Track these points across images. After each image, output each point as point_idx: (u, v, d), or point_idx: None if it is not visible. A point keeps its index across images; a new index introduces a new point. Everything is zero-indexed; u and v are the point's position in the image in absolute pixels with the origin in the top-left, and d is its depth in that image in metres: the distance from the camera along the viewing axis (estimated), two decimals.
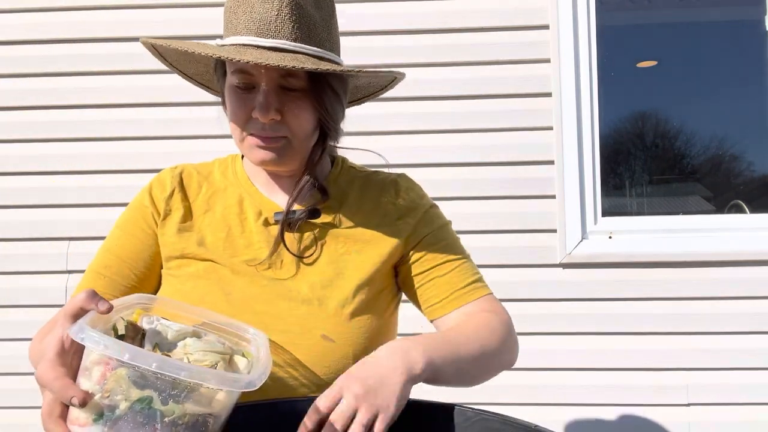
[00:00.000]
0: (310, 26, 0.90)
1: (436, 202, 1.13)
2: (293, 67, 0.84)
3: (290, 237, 0.99)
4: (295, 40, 0.89)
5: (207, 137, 2.30)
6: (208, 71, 1.07)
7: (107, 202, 2.33)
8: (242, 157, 1.08)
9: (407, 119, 2.28)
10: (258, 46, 0.88)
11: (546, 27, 2.29)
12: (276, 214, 0.99)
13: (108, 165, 2.35)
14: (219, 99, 1.04)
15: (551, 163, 2.28)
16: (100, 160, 2.35)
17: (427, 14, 2.33)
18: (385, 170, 1.12)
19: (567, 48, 2.29)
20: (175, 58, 1.02)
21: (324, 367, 0.92)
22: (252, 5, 0.88)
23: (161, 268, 1.02)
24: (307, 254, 0.98)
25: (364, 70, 0.91)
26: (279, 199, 1.02)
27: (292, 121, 0.93)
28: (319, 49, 0.91)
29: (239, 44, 0.88)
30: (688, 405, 2.24)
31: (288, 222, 0.98)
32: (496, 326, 0.96)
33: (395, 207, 1.04)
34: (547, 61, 2.29)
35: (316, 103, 0.93)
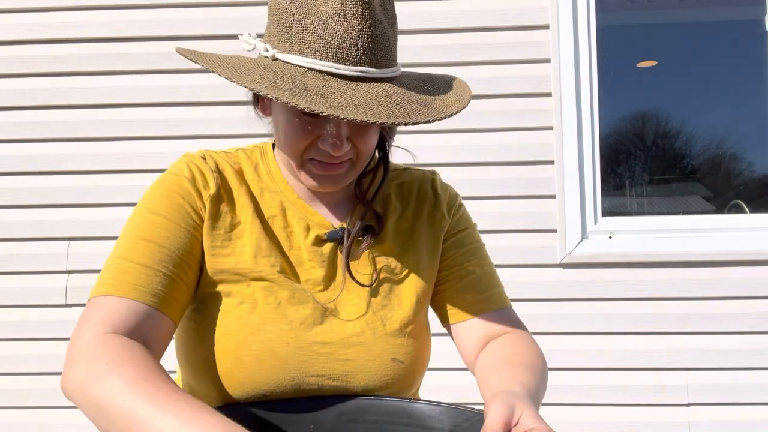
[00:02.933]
0: (386, 45, 0.80)
1: None
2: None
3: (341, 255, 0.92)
4: (376, 66, 0.78)
5: (208, 137, 2.30)
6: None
7: (107, 202, 2.33)
8: (272, 147, 0.98)
9: None
10: (337, 75, 0.76)
11: (546, 27, 2.29)
12: (330, 233, 0.91)
13: (108, 165, 2.35)
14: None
15: (551, 163, 2.28)
16: (100, 160, 2.35)
17: (427, 14, 2.33)
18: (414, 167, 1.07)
19: (567, 48, 2.29)
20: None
21: (395, 391, 0.90)
22: (326, 20, 0.76)
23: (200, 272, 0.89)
24: (363, 272, 0.92)
25: (455, 110, 0.81)
26: (322, 210, 0.95)
27: (362, 147, 0.85)
28: (394, 69, 0.82)
29: (311, 68, 0.77)
30: (688, 405, 2.24)
31: (340, 240, 0.91)
32: (543, 368, 0.91)
33: (437, 208, 1.00)
34: (547, 61, 2.29)
35: (385, 126, 0.87)
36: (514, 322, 0.98)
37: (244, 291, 0.86)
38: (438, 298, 1.00)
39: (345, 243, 0.90)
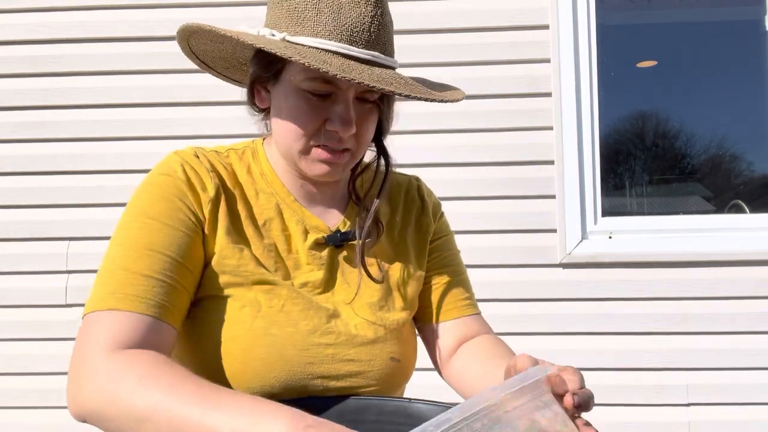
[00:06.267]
0: (391, 37, 0.85)
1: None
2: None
3: (340, 257, 0.93)
4: (384, 52, 0.83)
5: (208, 137, 2.30)
6: (234, 58, 0.95)
7: (107, 202, 2.33)
8: (263, 147, 0.96)
9: (407, 119, 2.28)
10: (352, 57, 0.79)
11: (546, 27, 2.29)
12: (329, 237, 0.92)
13: (108, 165, 2.35)
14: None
15: (551, 163, 2.28)
16: (100, 160, 2.35)
17: (427, 14, 2.33)
18: (398, 170, 1.07)
19: (567, 48, 2.29)
20: (204, 48, 0.92)
21: (391, 388, 0.92)
22: (339, 5, 0.79)
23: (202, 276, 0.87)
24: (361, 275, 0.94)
25: (457, 97, 0.87)
26: (317, 211, 0.94)
27: (363, 134, 0.87)
28: (395, 60, 0.86)
29: (325, 49, 0.79)
30: (688, 405, 2.24)
31: (337, 244, 0.92)
32: None
33: (424, 214, 1.03)
34: (547, 61, 2.29)
35: (383, 115, 0.90)
36: (487, 327, 1.04)
37: (245, 295, 0.85)
38: (421, 298, 1.02)
39: (357, 247, 0.92)
